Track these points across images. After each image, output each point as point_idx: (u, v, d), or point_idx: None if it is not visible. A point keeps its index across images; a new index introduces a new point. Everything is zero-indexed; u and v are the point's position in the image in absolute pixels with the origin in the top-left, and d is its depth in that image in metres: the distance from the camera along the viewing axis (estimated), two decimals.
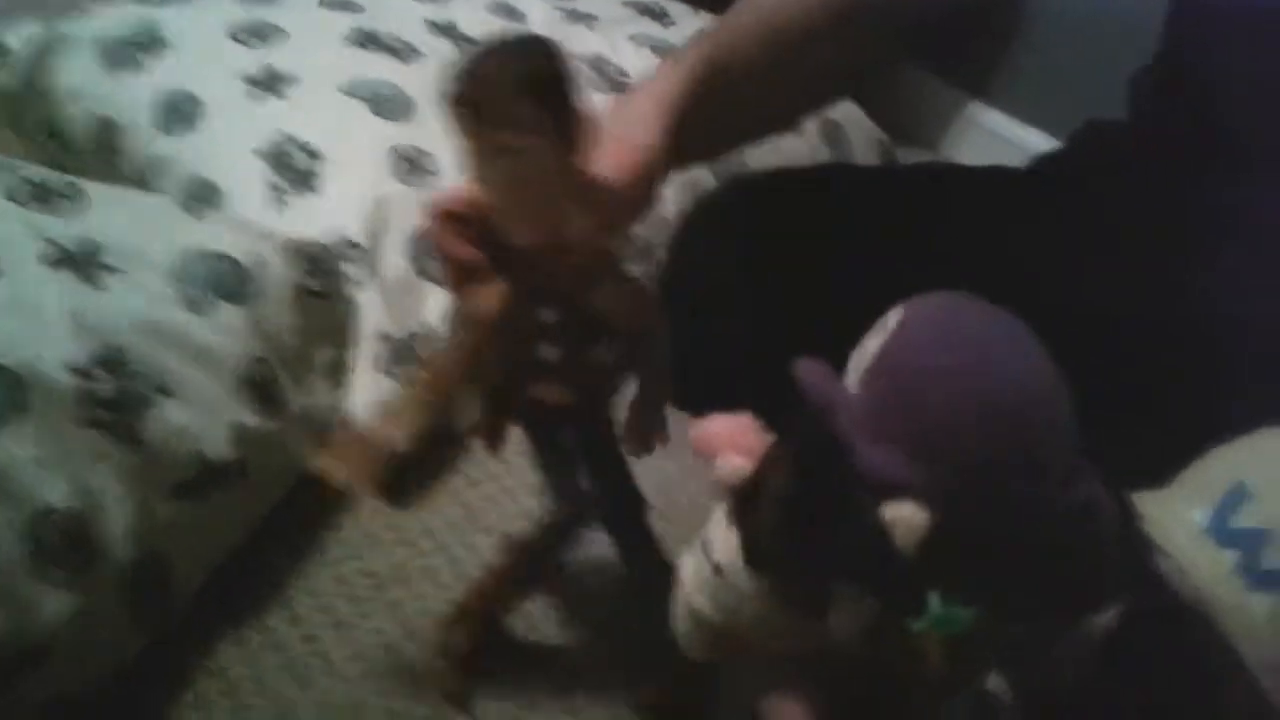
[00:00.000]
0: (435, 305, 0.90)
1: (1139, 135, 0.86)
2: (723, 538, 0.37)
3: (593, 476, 0.64)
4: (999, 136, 1.45)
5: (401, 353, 0.89)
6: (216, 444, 0.74)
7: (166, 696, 0.69)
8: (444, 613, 0.75)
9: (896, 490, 0.33)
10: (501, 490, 0.88)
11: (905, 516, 0.32)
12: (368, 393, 0.86)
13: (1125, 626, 0.51)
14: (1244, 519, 0.47)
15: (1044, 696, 0.46)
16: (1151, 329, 0.72)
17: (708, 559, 0.37)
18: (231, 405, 0.76)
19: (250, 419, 0.76)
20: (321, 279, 0.86)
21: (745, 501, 0.36)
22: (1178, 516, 0.50)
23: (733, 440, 0.38)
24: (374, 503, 0.81)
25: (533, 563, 0.71)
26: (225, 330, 0.77)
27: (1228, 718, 0.48)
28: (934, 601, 0.32)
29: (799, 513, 0.34)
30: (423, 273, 0.91)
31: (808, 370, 0.37)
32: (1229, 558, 0.47)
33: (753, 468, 0.37)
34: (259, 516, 0.79)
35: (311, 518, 0.82)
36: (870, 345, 0.36)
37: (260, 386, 0.78)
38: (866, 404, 0.35)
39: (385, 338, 0.88)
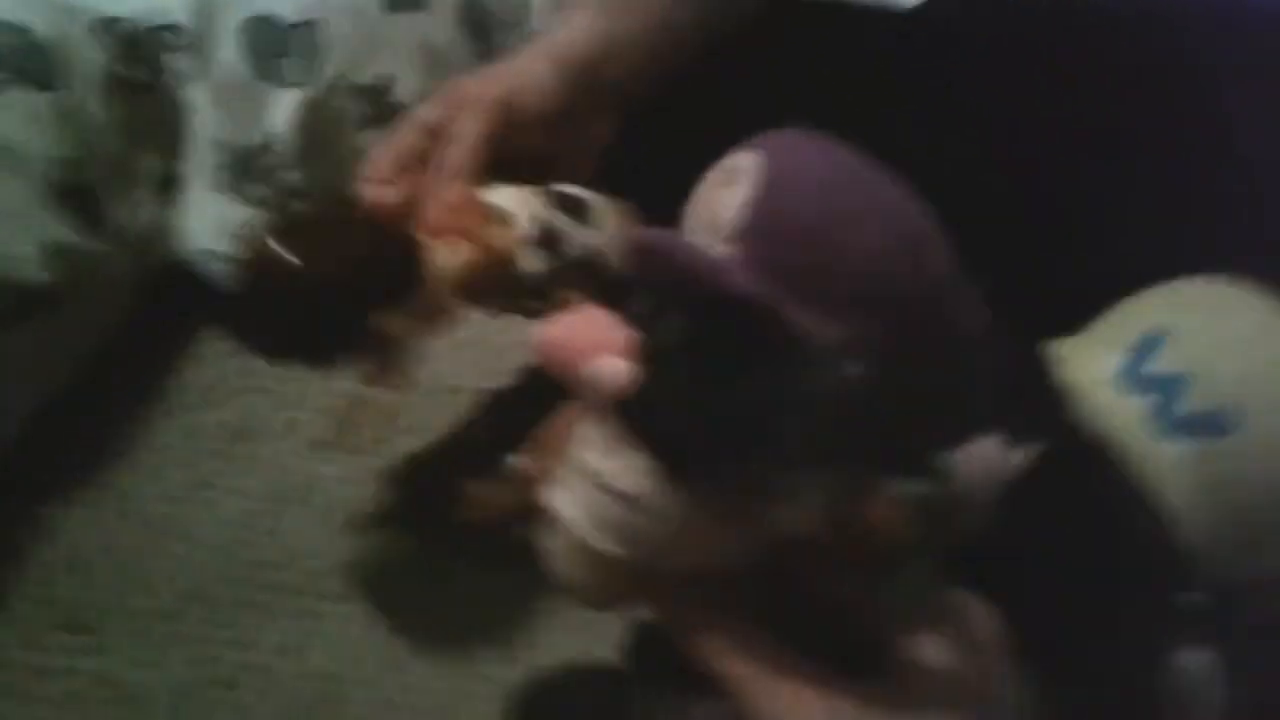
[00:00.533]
0: (281, 112, 0.76)
1: None
2: (620, 461, 0.30)
3: None
4: None
5: (242, 167, 0.74)
6: (26, 265, 0.59)
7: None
8: (315, 471, 0.66)
9: (833, 350, 0.29)
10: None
11: (852, 376, 0.29)
12: (206, 211, 0.72)
13: (1033, 470, 0.50)
14: (1158, 364, 0.46)
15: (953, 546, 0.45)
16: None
17: (605, 492, 0.31)
18: (42, 218, 0.60)
19: (66, 236, 0.61)
20: (138, 67, 0.70)
21: (646, 407, 0.29)
22: (1093, 363, 0.48)
23: (596, 341, 0.30)
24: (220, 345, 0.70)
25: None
26: (25, 120, 0.61)
27: (1134, 558, 0.47)
28: (945, 460, 0.30)
29: (728, 398, 0.29)
30: (262, 72, 0.76)
31: (666, 238, 0.32)
32: (1142, 404, 0.46)
33: (639, 365, 0.30)
34: (83, 353, 0.65)
35: (146, 360, 0.69)
36: (727, 199, 0.30)
37: (76, 196, 0.63)
38: (756, 265, 0.29)
39: (222, 146, 0.74)
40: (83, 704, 0.54)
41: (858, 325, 0.29)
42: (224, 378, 0.70)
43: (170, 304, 0.72)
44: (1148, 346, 0.47)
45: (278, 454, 0.67)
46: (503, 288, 0.56)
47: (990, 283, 0.38)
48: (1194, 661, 0.50)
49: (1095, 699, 0.49)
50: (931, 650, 0.32)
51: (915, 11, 0.90)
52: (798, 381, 0.29)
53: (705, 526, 0.31)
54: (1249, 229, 0.63)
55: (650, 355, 0.30)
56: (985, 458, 0.44)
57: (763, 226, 0.30)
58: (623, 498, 0.30)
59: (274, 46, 0.76)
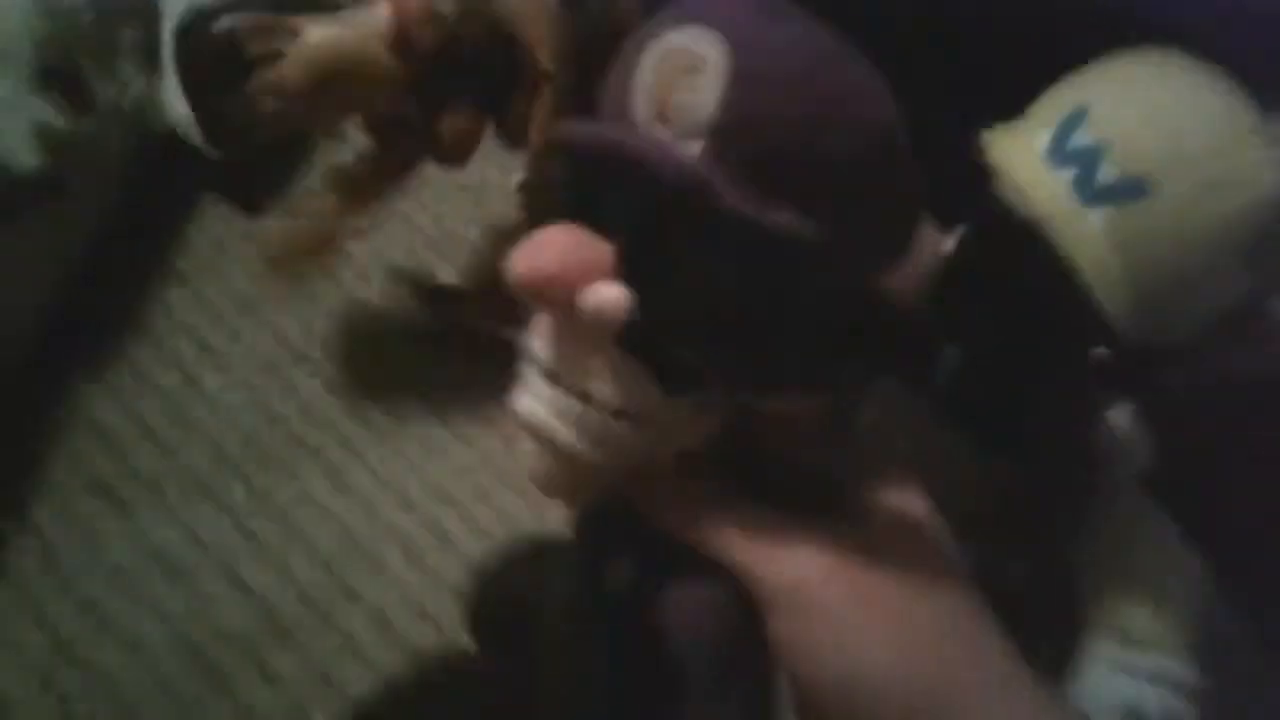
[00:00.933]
0: None
1: None
2: (613, 376, 0.30)
3: None
4: None
5: None
6: (19, 152, 0.59)
7: (34, 449, 0.61)
8: (321, 328, 0.68)
9: (823, 252, 0.28)
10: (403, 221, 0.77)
11: (841, 274, 0.30)
12: None
13: (963, 247, 0.52)
14: (1081, 137, 0.47)
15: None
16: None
17: (591, 405, 0.30)
18: (29, 103, 0.61)
19: (56, 119, 0.62)
20: None
21: (648, 330, 0.29)
22: (1022, 144, 0.49)
23: (584, 265, 0.29)
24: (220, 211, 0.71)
25: None
26: (3, 8, 0.61)
27: (1055, 323, 0.49)
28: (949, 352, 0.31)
29: (728, 310, 0.29)
30: None
31: (631, 138, 0.29)
32: (1065, 176, 0.47)
33: (631, 285, 0.29)
34: (88, 235, 0.67)
35: (151, 234, 0.71)
36: (692, 90, 0.28)
37: (62, 77, 0.63)
38: (737, 165, 0.28)
39: (198, 8, 0.73)
40: (116, 567, 0.58)
41: (834, 221, 0.28)
42: (230, 243, 0.72)
43: (171, 172, 0.73)
44: (1071, 122, 0.48)
45: (287, 315, 0.69)
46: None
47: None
48: (1117, 416, 0.54)
49: (1035, 453, 0.53)
50: (892, 496, 0.34)
51: None
52: (795, 285, 0.29)
53: (693, 428, 0.32)
54: None
55: (640, 274, 0.29)
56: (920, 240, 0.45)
57: (739, 125, 0.28)
58: (615, 412, 0.30)
59: None
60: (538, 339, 0.32)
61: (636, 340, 0.29)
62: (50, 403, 0.63)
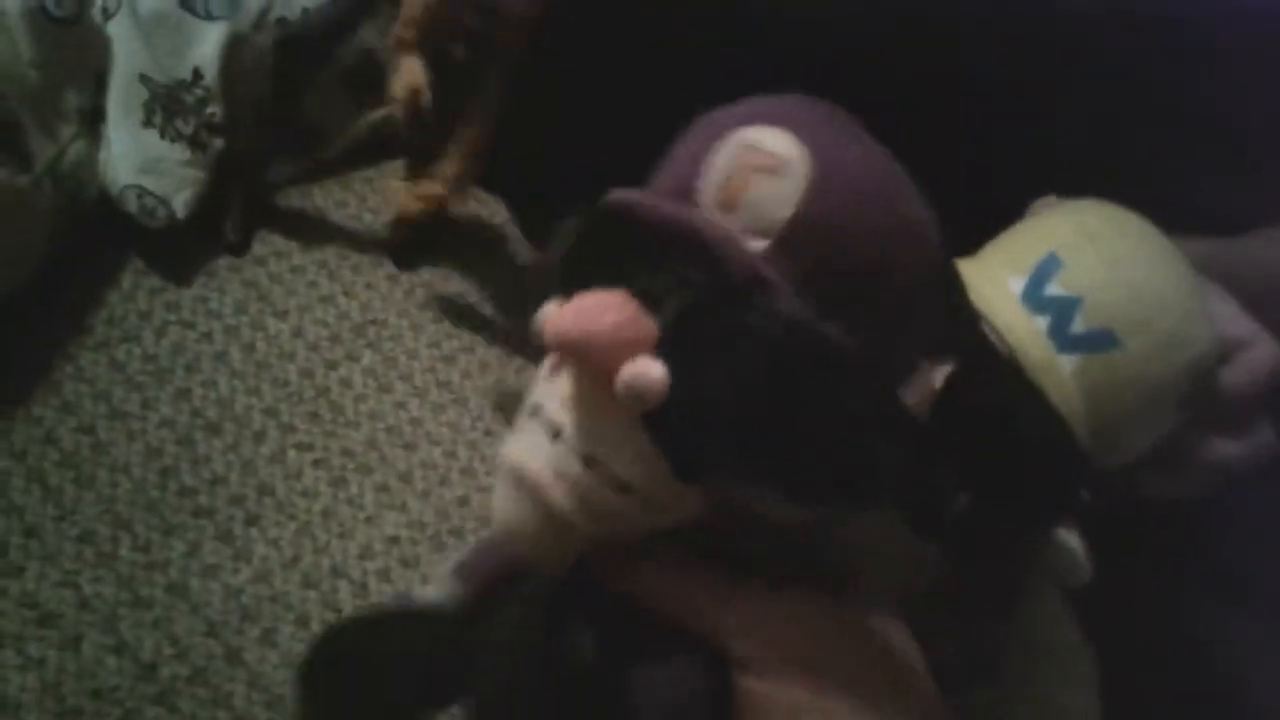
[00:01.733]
0: (207, 46, 0.78)
1: None
2: (629, 452, 0.30)
3: None
4: None
5: (166, 102, 0.76)
6: None
7: None
8: (242, 404, 0.69)
9: (869, 365, 0.29)
10: (292, 269, 0.80)
11: (884, 387, 0.30)
12: (130, 148, 0.74)
13: (950, 384, 0.56)
14: (1055, 287, 0.52)
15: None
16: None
17: (594, 472, 0.30)
18: None
19: None
20: (64, 3, 0.71)
21: (677, 418, 0.29)
22: (997, 284, 0.54)
23: (629, 337, 0.28)
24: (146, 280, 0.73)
25: None
26: None
27: (1043, 460, 0.51)
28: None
29: (765, 415, 0.29)
30: (187, 5, 0.77)
31: (698, 221, 0.29)
32: (1041, 323, 0.52)
33: (667, 366, 0.28)
34: (10, 287, 0.67)
35: (72, 294, 0.71)
36: (772, 191, 0.29)
37: (1, 131, 0.65)
38: (799, 272, 0.29)
39: (146, 81, 0.75)
40: (4, 623, 0.57)
41: (879, 337, 0.29)
42: (150, 311, 0.73)
43: (98, 237, 0.74)
44: (1045, 270, 0.53)
45: (201, 385, 0.70)
46: None
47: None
48: (1066, 537, 0.57)
49: (989, 568, 0.55)
50: (869, 558, 0.35)
51: None
52: (829, 395, 0.29)
53: (687, 509, 0.31)
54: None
55: (676, 358, 0.28)
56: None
57: (809, 233, 0.29)
58: (617, 485, 0.30)
59: None
60: (551, 396, 0.31)
61: (660, 421, 0.29)
62: None
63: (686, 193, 0.29)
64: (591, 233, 0.31)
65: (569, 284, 0.30)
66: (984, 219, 0.59)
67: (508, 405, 0.74)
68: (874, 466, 0.30)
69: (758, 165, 0.29)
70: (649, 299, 0.29)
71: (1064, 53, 0.73)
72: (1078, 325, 0.52)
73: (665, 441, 0.29)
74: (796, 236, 0.28)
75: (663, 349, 0.28)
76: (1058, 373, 0.51)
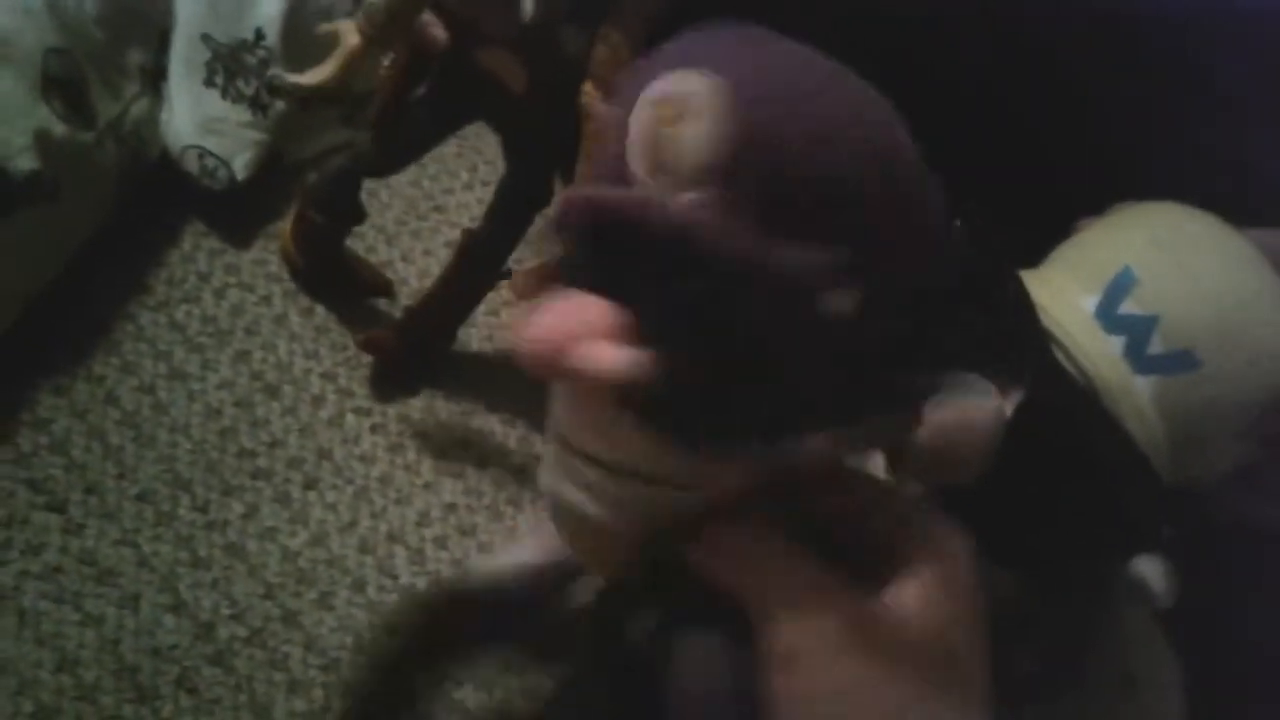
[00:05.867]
0: (268, 7, 0.79)
1: None
2: (622, 438, 0.30)
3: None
4: None
5: (227, 62, 0.78)
6: (18, 153, 0.62)
7: None
8: (301, 368, 0.71)
9: (826, 283, 0.28)
10: (352, 236, 0.81)
11: (847, 306, 0.28)
12: (191, 107, 0.76)
13: (1022, 416, 0.55)
14: (1130, 305, 0.51)
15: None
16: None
17: (612, 473, 0.31)
18: (34, 108, 0.64)
19: (57, 126, 0.65)
20: None
21: (656, 392, 0.28)
22: (1068, 304, 0.52)
23: (589, 326, 0.28)
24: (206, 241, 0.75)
25: (486, 259, 0.68)
26: (18, 11, 0.65)
27: (1118, 497, 0.51)
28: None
29: (740, 366, 0.28)
30: None
31: (617, 198, 0.29)
32: (1116, 343, 0.51)
33: (634, 350, 0.28)
34: (72, 244, 0.69)
35: (134, 253, 0.73)
36: (682, 135, 0.28)
37: (66, 87, 0.66)
38: (737, 209, 0.27)
39: (208, 40, 0.77)
40: (63, 578, 0.59)
41: (843, 255, 0.28)
42: (210, 273, 0.74)
43: (159, 197, 0.76)
44: (1119, 287, 0.51)
45: (260, 348, 0.72)
46: None
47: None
48: (1148, 566, 0.56)
49: (1067, 598, 0.54)
50: (918, 565, 0.35)
51: None
52: (806, 332, 0.28)
53: (714, 484, 0.31)
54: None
55: (645, 334, 0.28)
56: (994, 409, 0.48)
57: (737, 165, 0.27)
58: (637, 478, 0.30)
59: None
60: (557, 412, 0.31)
61: (648, 399, 0.28)
62: (11, 410, 0.64)
63: (620, 174, 0.29)
64: (558, 237, 0.30)
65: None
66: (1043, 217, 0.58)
67: None
68: (857, 391, 0.30)
69: (666, 115, 0.28)
70: (612, 288, 0.28)
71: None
72: (1156, 345, 0.50)
73: (652, 417, 0.28)
74: (725, 171, 0.27)
75: (639, 331, 0.28)
76: (1136, 397, 0.50)
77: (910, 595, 0.34)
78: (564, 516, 0.32)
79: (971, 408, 0.36)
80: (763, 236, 0.27)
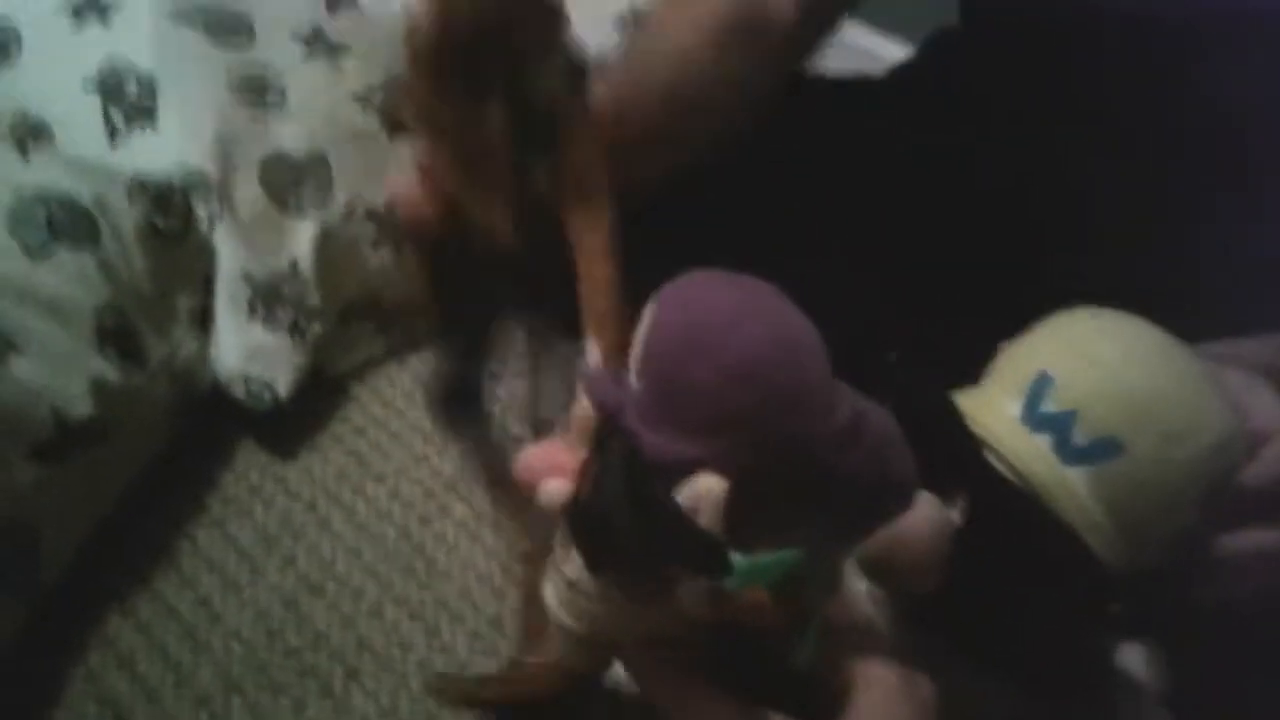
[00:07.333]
0: (301, 240, 0.89)
1: (976, 35, 0.91)
2: (568, 556, 0.40)
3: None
4: (857, 48, 1.50)
5: (267, 295, 0.87)
6: (75, 401, 0.71)
7: (58, 670, 0.68)
8: (343, 565, 0.76)
9: (687, 467, 0.37)
10: (389, 436, 0.88)
11: (704, 489, 0.36)
12: (236, 340, 0.85)
13: (969, 521, 0.58)
14: (1050, 404, 0.54)
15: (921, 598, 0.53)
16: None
17: (561, 578, 0.41)
18: (88, 359, 0.73)
19: (111, 373, 0.74)
20: (171, 218, 0.83)
21: (574, 517, 0.39)
22: (995, 410, 0.56)
23: (548, 464, 0.40)
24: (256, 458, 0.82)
25: None
26: (71, 277, 0.75)
27: (1061, 590, 0.54)
28: (737, 560, 0.36)
29: (624, 511, 0.37)
30: (281, 205, 0.89)
31: (592, 379, 0.41)
32: (1044, 441, 0.54)
33: (571, 485, 0.40)
34: (130, 476, 0.77)
35: (190, 475, 0.81)
36: (637, 341, 0.40)
37: (118, 337, 0.76)
38: (643, 396, 0.38)
39: (249, 278, 0.86)
40: None
41: (711, 443, 0.37)
42: (260, 485, 0.82)
43: (212, 422, 0.85)
44: (1038, 389, 0.55)
45: (305, 550, 0.78)
46: None
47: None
48: (1129, 654, 0.58)
49: (1045, 684, 0.56)
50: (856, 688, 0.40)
51: (891, 76, 1.00)
52: (653, 502, 0.37)
53: (626, 606, 0.40)
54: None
55: (583, 479, 0.39)
56: (930, 520, 0.54)
57: (645, 359, 0.39)
58: (569, 583, 0.40)
59: (290, 180, 0.89)
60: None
61: (575, 532, 0.39)
62: (79, 630, 0.71)
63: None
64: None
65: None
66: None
67: None
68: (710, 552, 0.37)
69: (639, 323, 0.40)
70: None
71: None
72: (1079, 438, 0.53)
73: (576, 540, 0.39)
74: (642, 363, 0.39)
75: (580, 473, 0.39)
76: (1069, 488, 0.53)
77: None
78: (551, 622, 0.42)
79: (907, 521, 0.43)
80: (657, 422, 0.38)
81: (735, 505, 0.36)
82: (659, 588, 0.38)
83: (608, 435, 0.38)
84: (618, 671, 0.54)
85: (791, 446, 0.37)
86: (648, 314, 0.39)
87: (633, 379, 0.39)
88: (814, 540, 0.38)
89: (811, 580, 0.40)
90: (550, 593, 0.41)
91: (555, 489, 0.39)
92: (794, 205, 0.85)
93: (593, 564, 0.39)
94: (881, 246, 0.82)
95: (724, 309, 0.38)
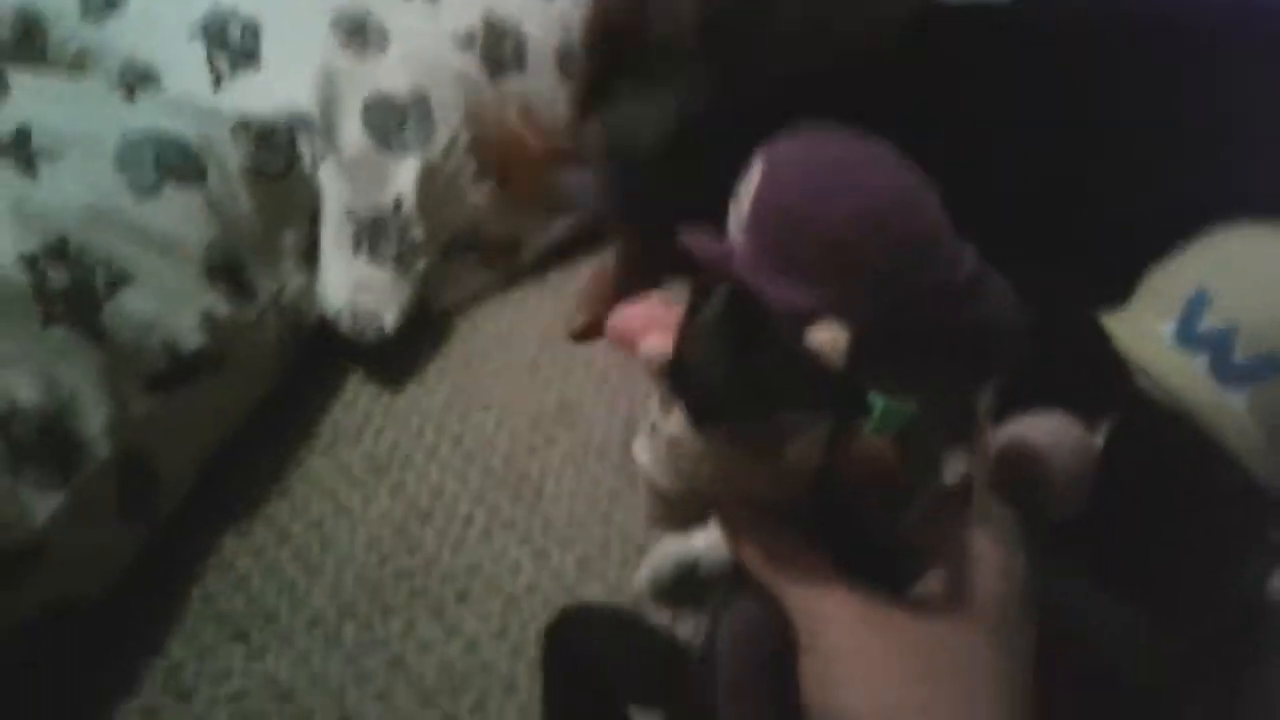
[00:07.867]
0: (404, 177, 0.89)
1: None
2: (668, 415, 0.38)
3: None
4: None
5: (371, 231, 0.88)
6: (186, 334, 0.73)
7: (177, 592, 0.71)
8: (451, 491, 0.77)
9: (809, 316, 0.36)
10: (494, 368, 0.88)
11: (827, 338, 0.36)
12: (342, 275, 0.86)
13: (1111, 445, 0.54)
14: (1208, 321, 0.51)
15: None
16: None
17: (660, 438, 0.39)
18: (198, 293, 0.75)
19: (220, 306, 0.76)
20: (275, 157, 0.84)
21: (677, 371, 0.38)
22: (1146, 332, 0.53)
23: (647, 321, 0.40)
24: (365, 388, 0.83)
25: None
26: (179, 215, 0.76)
27: (1219, 517, 0.51)
28: (876, 400, 0.35)
29: (730, 359, 0.36)
30: (384, 144, 0.89)
31: (693, 238, 0.40)
32: (1200, 362, 0.51)
33: (674, 338, 0.38)
34: (243, 407, 0.79)
35: (301, 405, 0.83)
36: (743, 196, 0.39)
37: (227, 272, 0.78)
38: (755, 249, 0.38)
39: (353, 215, 0.87)
40: (249, 701, 0.66)
41: (835, 291, 0.36)
42: (370, 416, 0.83)
43: (322, 353, 0.86)
44: (1193, 308, 0.52)
45: (415, 478, 0.79)
46: None
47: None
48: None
49: (1209, 627, 0.53)
50: (946, 572, 0.38)
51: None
52: (775, 347, 0.36)
53: (732, 460, 0.38)
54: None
55: (685, 331, 0.37)
56: (1074, 440, 0.51)
57: (756, 217, 0.38)
58: (669, 440, 0.38)
59: (393, 120, 0.89)
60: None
61: (680, 387, 0.38)
62: (199, 554, 0.73)
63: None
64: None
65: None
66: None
67: None
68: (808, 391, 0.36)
69: (743, 181, 0.40)
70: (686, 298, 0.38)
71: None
72: (1239, 355, 0.51)
73: (677, 393, 0.37)
74: (749, 221, 0.39)
75: (678, 328, 0.37)
76: (1227, 408, 0.50)
77: (935, 598, 0.37)
78: (642, 482, 0.40)
79: (1040, 434, 0.43)
80: (773, 273, 0.37)
81: (857, 354, 0.35)
82: (769, 438, 0.37)
83: (712, 287, 0.37)
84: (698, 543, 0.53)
85: (918, 294, 0.37)
86: (756, 168, 0.39)
87: (734, 237, 0.39)
88: (935, 392, 0.37)
89: (926, 437, 0.39)
90: (648, 459, 0.40)
91: (656, 344, 0.38)
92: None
93: (701, 416, 0.38)
94: None
95: (846, 159, 0.38)
